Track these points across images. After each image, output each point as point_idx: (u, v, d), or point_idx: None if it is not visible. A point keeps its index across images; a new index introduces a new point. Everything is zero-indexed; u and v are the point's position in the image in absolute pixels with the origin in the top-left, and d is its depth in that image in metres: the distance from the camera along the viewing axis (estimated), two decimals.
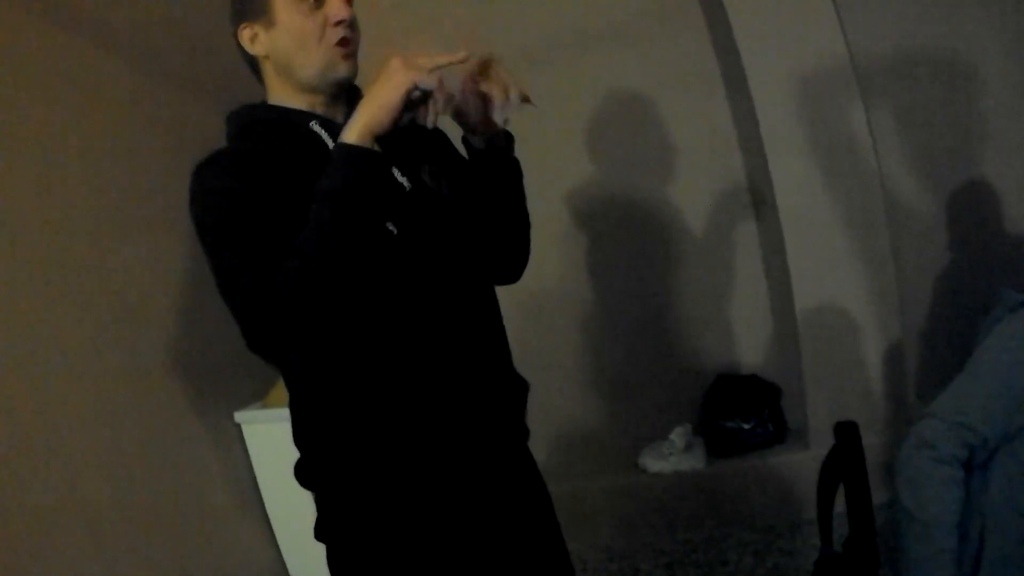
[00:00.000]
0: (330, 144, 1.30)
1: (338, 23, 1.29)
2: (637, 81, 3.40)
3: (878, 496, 1.60)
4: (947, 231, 3.21)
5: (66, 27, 2.57)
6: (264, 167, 1.27)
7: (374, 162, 1.20)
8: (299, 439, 1.46)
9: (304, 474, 1.46)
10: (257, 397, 3.03)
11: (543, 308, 3.51)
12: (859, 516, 1.41)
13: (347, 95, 1.40)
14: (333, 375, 1.34)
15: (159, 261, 2.73)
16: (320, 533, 1.45)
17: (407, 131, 1.30)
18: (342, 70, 1.32)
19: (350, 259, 1.19)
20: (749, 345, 3.49)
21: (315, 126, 1.33)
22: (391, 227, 1.29)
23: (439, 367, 1.34)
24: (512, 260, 1.57)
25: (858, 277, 3.09)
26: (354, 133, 1.19)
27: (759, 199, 3.33)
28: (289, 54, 1.31)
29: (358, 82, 1.42)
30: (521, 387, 1.52)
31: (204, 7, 3.10)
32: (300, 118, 1.34)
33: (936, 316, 3.26)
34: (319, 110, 1.35)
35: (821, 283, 3.11)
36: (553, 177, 3.46)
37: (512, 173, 1.49)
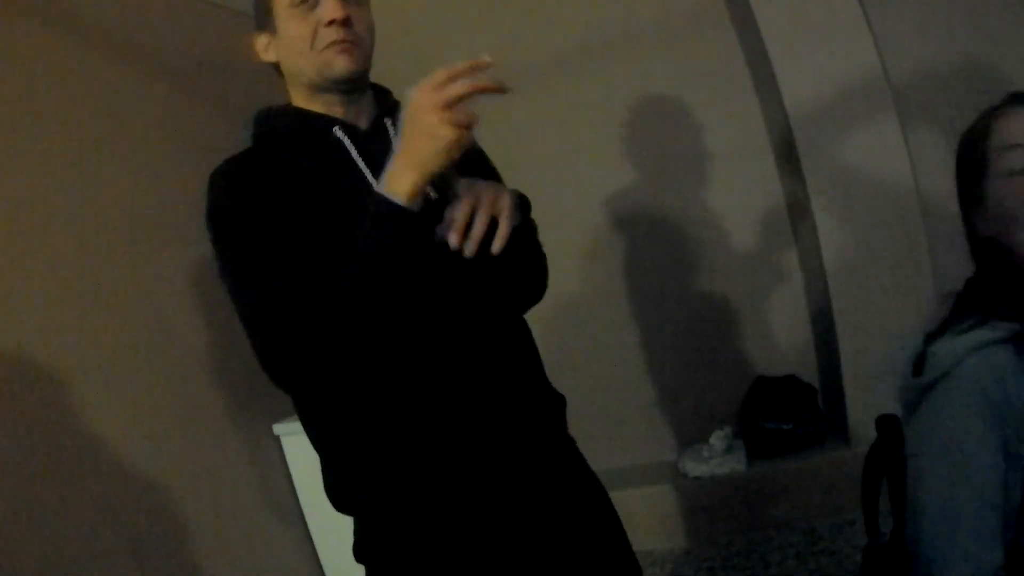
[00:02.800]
0: (353, 152, 1.29)
1: (330, 23, 1.26)
2: (668, 88, 3.41)
3: None
4: None
5: (99, 48, 2.62)
6: (283, 178, 1.25)
7: (416, 225, 1.15)
8: (328, 462, 1.42)
9: (338, 499, 1.42)
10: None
11: (580, 315, 3.52)
12: (902, 507, 1.40)
13: (376, 96, 1.40)
14: (355, 405, 1.30)
15: (195, 273, 2.76)
16: (359, 555, 1.42)
17: None
18: (338, 68, 1.28)
19: (376, 319, 1.17)
20: (787, 346, 3.46)
21: (338, 132, 1.30)
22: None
23: (468, 390, 1.31)
24: (528, 295, 1.51)
25: (895, 277, 3.05)
26: (402, 188, 1.14)
27: (794, 202, 3.31)
28: (291, 60, 1.31)
29: (385, 83, 1.42)
30: (557, 402, 1.48)
31: (230, 24, 3.15)
32: (322, 123, 1.31)
33: None
34: (339, 113, 1.33)
35: (858, 284, 3.08)
36: (587, 184, 3.48)
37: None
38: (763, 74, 3.18)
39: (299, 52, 1.29)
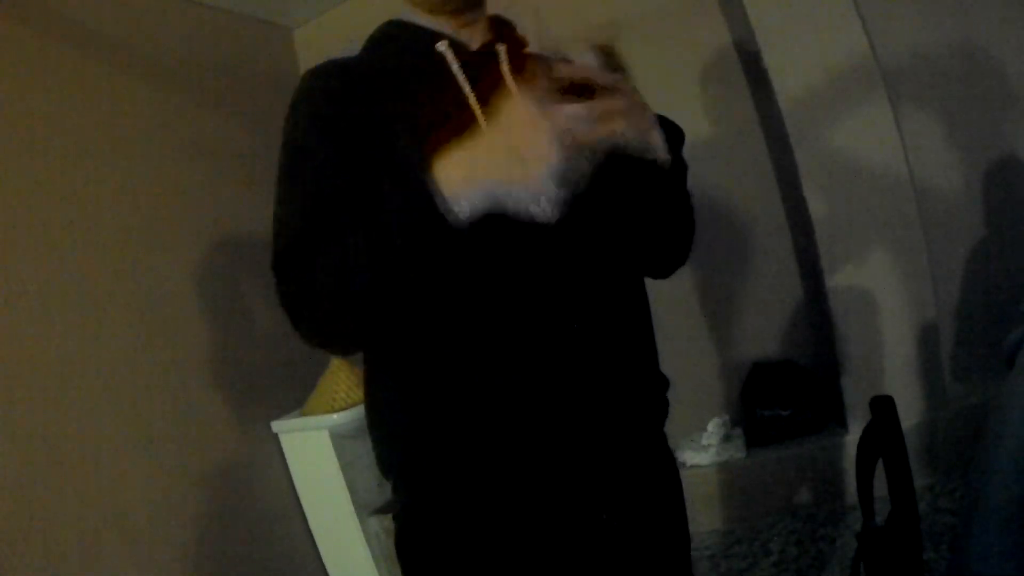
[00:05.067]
0: (455, 67, 1.17)
1: None
2: (657, 76, 3.39)
3: (917, 480, 1.58)
4: (978, 210, 3.17)
5: (99, 50, 2.63)
6: (379, 85, 1.19)
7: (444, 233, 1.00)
8: (377, 423, 1.26)
9: (384, 462, 1.26)
10: (294, 406, 3.05)
11: None
12: (899, 489, 1.39)
13: (496, 26, 1.32)
14: (406, 361, 1.17)
15: (194, 272, 2.76)
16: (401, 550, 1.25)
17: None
18: None
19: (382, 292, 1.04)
20: (783, 332, 3.46)
21: (442, 47, 1.20)
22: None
23: (565, 363, 1.15)
24: (670, 256, 1.39)
25: (890, 259, 3.05)
26: (455, 183, 0.99)
27: (787, 188, 3.31)
28: None
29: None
30: (662, 388, 1.34)
31: (229, 26, 3.16)
32: (428, 36, 1.23)
33: (970, 296, 3.22)
34: (449, 31, 1.25)
35: (853, 267, 3.07)
36: None
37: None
38: (753, 61, 3.18)
39: None
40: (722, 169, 3.39)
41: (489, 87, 1.13)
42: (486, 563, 1.18)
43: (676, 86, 3.39)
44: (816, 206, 3.06)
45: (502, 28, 1.32)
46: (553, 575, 1.18)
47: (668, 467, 1.36)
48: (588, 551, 1.20)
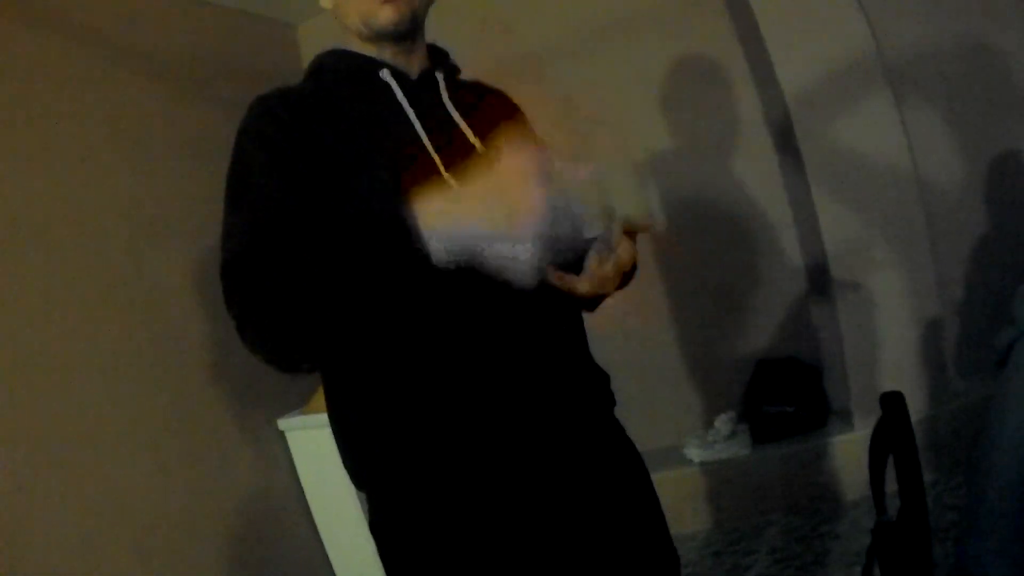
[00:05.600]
0: (399, 95, 1.26)
1: None
2: (663, 73, 3.40)
3: (925, 475, 1.58)
4: (981, 206, 3.17)
5: (99, 49, 2.63)
6: (324, 112, 1.24)
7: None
8: (343, 435, 1.32)
9: (355, 474, 1.32)
10: (300, 403, 3.05)
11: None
12: (909, 484, 1.40)
13: (431, 54, 1.37)
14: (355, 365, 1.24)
15: (197, 270, 2.76)
16: (375, 530, 1.33)
17: (489, 99, 1.33)
18: (382, 18, 1.26)
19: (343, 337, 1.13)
20: (789, 329, 3.47)
21: (385, 75, 1.28)
22: (451, 180, 1.20)
23: (504, 354, 1.23)
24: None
25: (894, 256, 3.06)
26: (435, 221, 1.02)
27: (793, 185, 3.31)
28: (342, 6, 1.30)
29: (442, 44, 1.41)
30: (601, 380, 1.41)
31: (230, 24, 3.15)
32: (370, 64, 1.30)
33: (973, 292, 3.23)
34: (388, 59, 1.30)
35: (858, 262, 3.08)
36: None
37: None
38: (759, 58, 3.18)
39: (341, 3, 1.29)
40: (728, 167, 3.39)
41: (434, 117, 1.25)
42: (462, 556, 1.25)
43: (681, 83, 3.39)
44: (821, 203, 3.07)
45: (438, 56, 1.39)
46: (524, 558, 1.25)
47: (624, 449, 1.44)
48: (554, 532, 1.27)
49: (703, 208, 3.44)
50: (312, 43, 3.75)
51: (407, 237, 1.02)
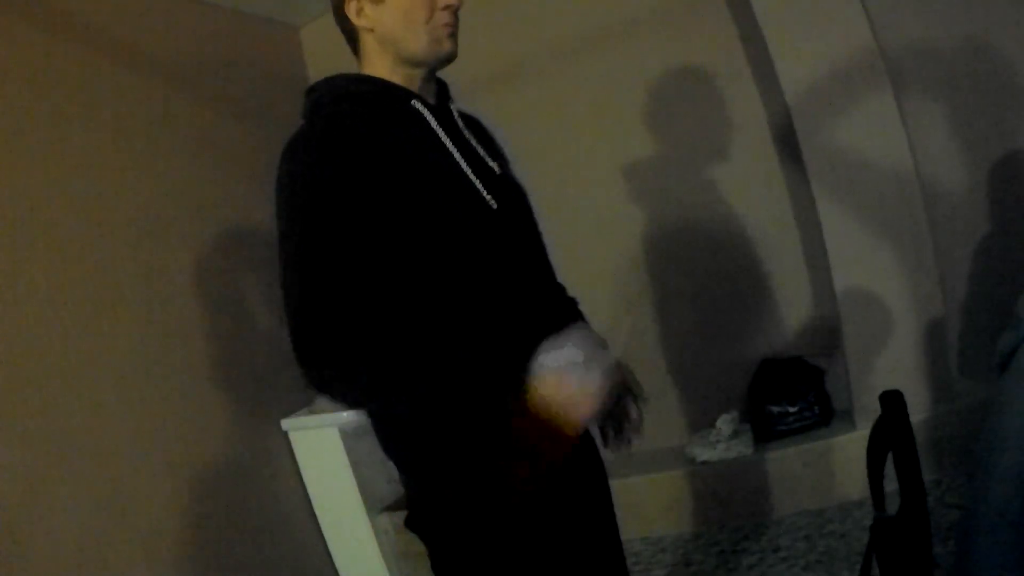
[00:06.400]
0: (433, 123, 1.33)
1: (446, 7, 1.32)
2: (666, 74, 3.40)
3: (924, 475, 1.59)
4: (984, 205, 3.17)
5: (103, 50, 2.64)
6: (368, 143, 1.24)
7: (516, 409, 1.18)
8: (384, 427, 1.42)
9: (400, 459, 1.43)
10: (304, 404, 3.06)
11: (584, 304, 3.52)
12: (909, 482, 1.41)
13: (437, 85, 1.43)
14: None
15: (202, 271, 2.77)
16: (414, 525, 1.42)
17: (476, 123, 1.45)
18: (447, 47, 1.34)
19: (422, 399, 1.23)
20: (792, 329, 3.47)
21: (418, 104, 1.33)
22: (491, 200, 1.31)
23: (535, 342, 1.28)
24: None
25: (896, 255, 3.06)
26: (541, 403, 1.16)
27: (795, 185, 3.31)
28: (396, 30, 1.32)
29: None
30: None
31: (235, 27, 3.17)
32: (401, 93, 1.33)
33: (976, 292, 3.22)
34: (416, 88, 1.36)
35: (860, 263, 3.08)
36: (587, 172, 3.49)
37: None
38: (760, 58, 3.18)
39: (412, 25, 1.32)
40: (730, 168, 3.39)
41: (460, 144, 1.35)
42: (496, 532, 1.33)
43: (683, 83, 3.40)
44: (824, 203, 3.07)
45: (441, 85, 1.45)
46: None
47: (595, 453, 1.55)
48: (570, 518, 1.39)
49: (705, 208, 3.44)
50: (315, 45, 3.76)
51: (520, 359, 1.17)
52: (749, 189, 3.41)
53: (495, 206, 1.31)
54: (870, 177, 3.02)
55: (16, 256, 2.21)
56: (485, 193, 1.31)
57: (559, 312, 1.47)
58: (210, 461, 2.69)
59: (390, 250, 1.21)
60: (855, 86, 2.99)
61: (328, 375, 1.19)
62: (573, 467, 1.39)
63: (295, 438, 3.01)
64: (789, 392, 3.29)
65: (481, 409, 1.26)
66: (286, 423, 2.99)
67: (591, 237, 3.52)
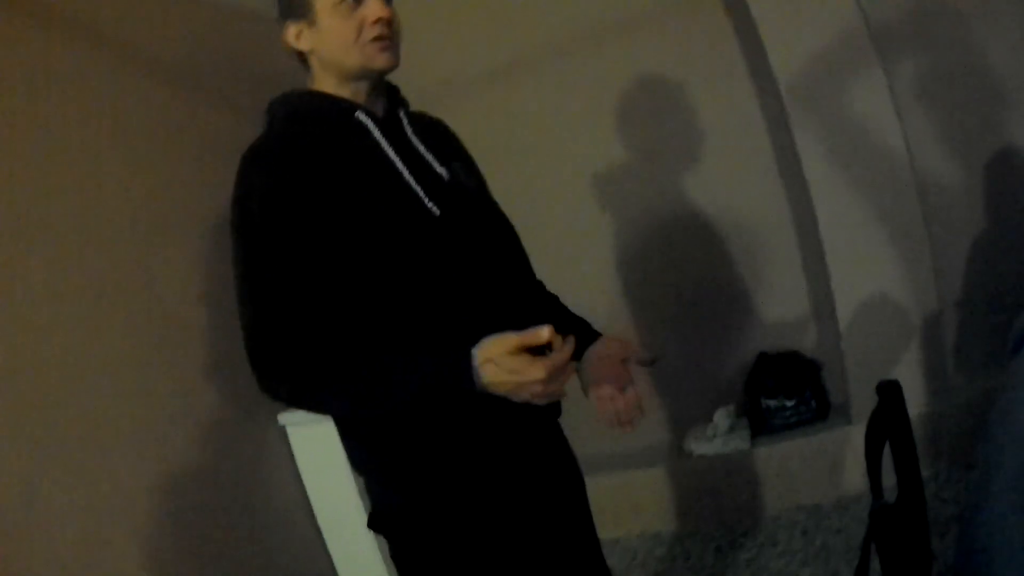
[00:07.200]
0: (376, 133, 1.39)
1: (375, 22, 1.35)
2: (659, 67, 3.40)
3: (923, 469, 1.59)
4: (979, 200, 3.17)
5: (101, 48, 2.63)
6: (313, 160, 1.32)
7: (462, 394, 1.25)
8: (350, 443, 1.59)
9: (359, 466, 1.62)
10: None
11: (579, 298, 3.51)
12: (906, 471, 1.41)
13: (387, 92, 1.48)
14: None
15: (198, 268, 2.77)
16: (377, 526, 1.53)
17: (434, 128, 1.51)
18: (380, 62, 1.38)
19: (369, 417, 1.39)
20: (788, 322, 3.47)
21: (361, 116, 1.38)
22: (433, 208, 1.36)
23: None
24: None
25: (892, 250, 3.06)
26: (482, 378, 1.23)
27: (789, 177, 3.31)
28: (331, 50, 1.38)
29: (397, 76, 1.49)
30: None
31: (231, 22, 3.16)
32: (346, 106, 1.39)
33: (972, 286, 3.23)
34: (362, 100, 1.41)
35: (855, 257, 3.08)
36: (583, 165, 3.48)
37: None
38: (754, 50, 3.18)
39: (343, 46, 1.37)
40: (725, 160, 3.40)
41: (405, 152, 1.40)
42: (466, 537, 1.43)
43: (676, 76, 3.39)
44: (819, 198, 3.07)
45: (392, 91, 1.51)
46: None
47: (566, 452, 1.62)
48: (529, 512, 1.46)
49: (700, 202, 3.44)
50: None
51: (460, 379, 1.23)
52: (745, 182, 3.41)
53: (437, 212, 1.36)
54: (865, 171, 3.02)
55: (11, 255, 2.20)
56: (427, 200, 1.37)
57: (528, 310, 1.47)
58: (206, 457, 2.68)
59: (333, 261, 1.28)
60: (849, 80, 2.99)
61: (282, 389, 1.36)
62: (539, 465, 1.49)
63: (293, 433, 3.00)
64: (786, 386, 3.29)
65: (425, 412, 1.33)
66: (284, 418, 2.98)
67: (585, 232, 3.52)
